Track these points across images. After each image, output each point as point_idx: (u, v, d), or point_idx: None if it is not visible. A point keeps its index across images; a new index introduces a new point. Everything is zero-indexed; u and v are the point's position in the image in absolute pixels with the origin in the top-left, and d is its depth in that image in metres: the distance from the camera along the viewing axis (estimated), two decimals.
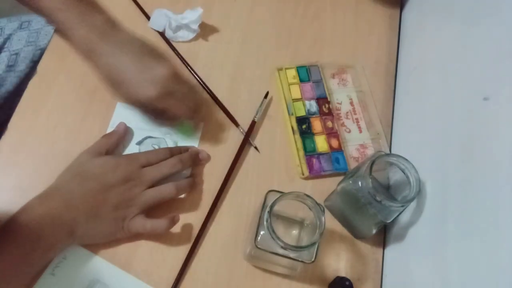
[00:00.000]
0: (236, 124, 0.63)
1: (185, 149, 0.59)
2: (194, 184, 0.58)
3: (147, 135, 0.60)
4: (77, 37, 0.53)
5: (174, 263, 0.54)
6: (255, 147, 0.62)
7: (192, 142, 0.61)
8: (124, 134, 0.59)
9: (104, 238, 0.53)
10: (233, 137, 0.63)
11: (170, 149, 0.58)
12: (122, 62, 0.53)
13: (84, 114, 0.60)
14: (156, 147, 0.60)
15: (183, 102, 0.56)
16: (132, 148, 0.59)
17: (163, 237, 0.55)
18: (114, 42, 0.53)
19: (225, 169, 0.60)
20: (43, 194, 0.51)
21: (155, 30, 0.67)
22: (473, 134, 0.47)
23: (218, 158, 0.61)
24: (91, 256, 0.53)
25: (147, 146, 0.60)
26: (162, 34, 0.67)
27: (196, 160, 0.59)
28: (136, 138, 0.60)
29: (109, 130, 0.60)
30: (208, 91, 0.64)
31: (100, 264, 0.53)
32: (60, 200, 0.50)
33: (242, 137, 0.63)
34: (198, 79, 0.65)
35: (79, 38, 0.52)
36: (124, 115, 0.61)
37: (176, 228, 0.56)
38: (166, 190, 0.54)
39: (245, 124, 0.63)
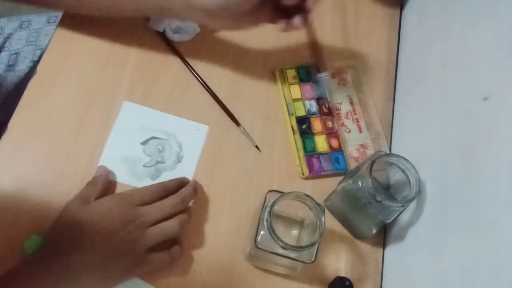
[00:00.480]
0: (237, 123, 0.63)
1: (179, 182, 0.56)
2: (191, 213, 0.55)
3: (152, 136, 0.60)
4: None
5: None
6: (256, 146, 0.62)
7: (197, 146, 0.61)
8: (107, 177, 0.56)
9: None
10: (234, 137, 0.63)
11: (164, 186, 0.55)
12: None
13: (84, 114, 0.60)
14: (160, 148, 0.60)
15: None
16: (136, 148, 0.59)
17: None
18: None
19: (226, 169, 0.60)
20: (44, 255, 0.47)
21: (155, 30, 0.67)
22: (473, 134, 0.47)
23: (219, 158, 0.61)
24: None
25: (151, 147, 0.60)
26: (162, 34, 0.67)
27: (194, 192, 0.56)
28: (141, 137, 0.60)
29: (115, 129, 0.59)
30: (209, 91, 0.64)
31: None
32: (62, 260, 0.47)
33: (243, 137, 0.63)
34: (199, 79, 0.65)
35: None
36: (131, 114, 0.61)
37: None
38: (170, 228, 0.52)
39: (245, 124, 0.63)
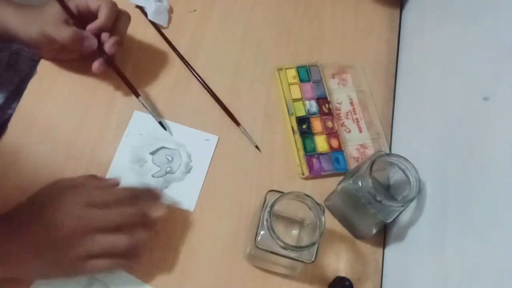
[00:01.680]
0: (237, 123, 0.63)
1: (152, 193, 0.52)
2: (154, 229, 0.52)
3: (162, 146, 0.60)
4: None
5: (174, 263, 0.54)
6: (256, 146, 0.62)
7: (206, 156, 0.60)
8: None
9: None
10: (234, 137, 0.63)
11: (132, 192, 0.52)
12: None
13: (84, 114, 0.60)
14: (170, 158, 0.59)
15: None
16: (145, 158, 0.59)
17: (163, 237, 0.55)
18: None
19: (226, 169, 0.60)
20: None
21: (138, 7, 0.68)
22: (473, 134, 0.47)
23: (219, 158, 0.61)
24: None
25: (160, 157, 0.59)
26: (163, 34, 0.67)
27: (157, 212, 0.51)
28: (150, 148, 0.60)
29: (124, 138, 0.59)
30: (209, 91, 0.64)
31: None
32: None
33: (243, 136, 0.63)
34: (199, 79, 0.65)
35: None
36: (140, 123, 0.60)
37: (176, 228, 0.56)
38: (118, 243, 0.48)
39: (245, 124, 0.63)
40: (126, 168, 0.58)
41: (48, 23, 0.53)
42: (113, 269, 0.50)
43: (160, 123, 0.60)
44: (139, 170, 0.58)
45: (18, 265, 0.47)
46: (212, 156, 0.61)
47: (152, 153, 0.60)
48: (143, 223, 0.50)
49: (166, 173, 0.59)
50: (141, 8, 0.68)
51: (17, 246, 0.46)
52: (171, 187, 0.58)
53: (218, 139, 0.62)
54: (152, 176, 0.58)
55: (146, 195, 0.52)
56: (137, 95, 0.61)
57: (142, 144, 0.60)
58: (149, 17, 0.67)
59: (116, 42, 0.57)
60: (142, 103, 0.60)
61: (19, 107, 0.59)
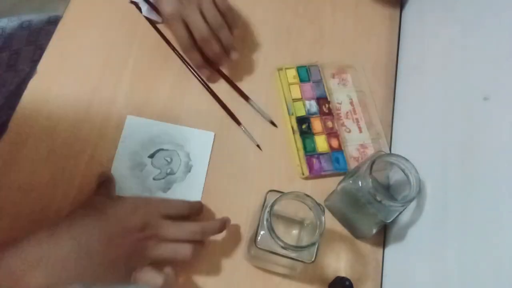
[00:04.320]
0: (238, 123, 0.63)
1: (219, 222, 0.53)
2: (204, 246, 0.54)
3: (159, 148, 0.60)
4: None
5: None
6: (258, 145, 0.62)
7: (205, 154, 0.60)
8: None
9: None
10: (233, 137, 0.63)
11: (190, 205, 0.54)
12: None
13: (85, 114, 0.60)
14: (169, 159, 0.59)
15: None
16: (145, 161, 0.59)
17: None
18: None
19: (226, 169, 0.60)
20: (54, 229, 0.46)
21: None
22: (473, 134, 0.47)
23: (219, 158, 0.61)
24: None
25: (159, 159, 0.59)
26: (163, 36, 0.67)
27: (218, 230, 0.54)
28: (148, 151, 0.59)
29: (120, 144, 0.59)
30: (210, 91, 0.64)
31: None
32: (70, 240, 0.45)
33: (243, 136, 0.63)
34: (199, 78, 0.65)
35: None
36: (134, 127, 0.60)
37: None
38: (183, 250, 0.50)
39: (245, 124, 0.63)
40: (126, 174, 0.58)
41: None
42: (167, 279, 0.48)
43: (272, 122, 0.63)
44: (139, 174, 0.58)
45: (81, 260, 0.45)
46: (211, 152, 0.61)
47: (151, 156, 0.59)
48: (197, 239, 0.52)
49: (167, 174, 0.59)
50: (135, 4, 0.68)
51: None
52: (174, 188, 0.58)
53: (215, 134, 0.62)
54: (153, 179, 0.58)
55: (199, 208, 0.55)
56: (247, 99, 0.64)
57: (139, 149, 0.59)
58: (143, 13, 0.67)
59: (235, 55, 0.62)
60: (252, 105, 0.63)
61: (19, 107, 0.59)
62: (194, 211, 0.55)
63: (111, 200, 0.51)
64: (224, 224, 0.53)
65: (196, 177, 0.59)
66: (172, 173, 0.59)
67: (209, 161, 0.60)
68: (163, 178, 0.58)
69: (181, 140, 0.61)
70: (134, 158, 0.59)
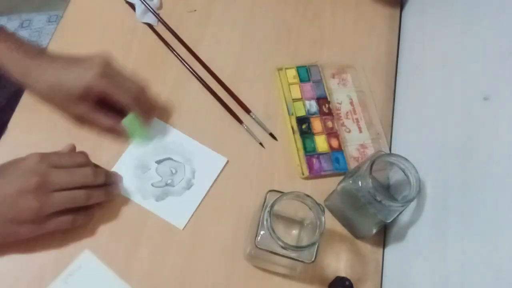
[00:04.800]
0: (240, 121, 0.63)
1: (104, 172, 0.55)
2: (110, 194, 0.55)
3: (168, 157, 0.60)
4: (12, 61, 0.54)
5: (174, 263, 0.54)
6: (260, 143, 0.62)
7: (210, 177, 0.59)
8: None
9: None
10: (233, 137, 0.63)
11: (87, 158, 0.54)
12: (58, 67, 0.54)
13: None
14: (174, 171, 0.59)
15: (126, 89, 0.55)
16: (150, 165, 0.59)
17: (163, 236, 0.55)
18: (47, 58, 0.55)
19: (226, 169, 0.60)
20: None
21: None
22: (473, 134, 0.47)
23: (222, 155, 0.61)
24: (105, 269, 0.52)
25: (165, 167, 0.59)
26: (161, 37, 0.67)
27: (109, 180, 0.54)
28: (158, 156, 0.59)
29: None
30: (211, 90, 0.65)
31: (112, 279, 0.52)
32: None
33: (242, 136, 0.63)
34: (199, 79, 0.65)
35: (14, 61, 0.54)
36: (155, 131, 0.60)
37: (176, 228, 0.56)
38: (76, 196, 0.50)
39: (245, 123, 0.63)
40: (129, 171, 0.58)
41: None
42: (74, 225, 0.52)
43: (271, 134, 0.63)
44: (141, 175, 0.58)
45: None
46: (217, 178, 0.60)
47: (158, 162, 0.59)
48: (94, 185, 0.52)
49: (166, 185, 0.58)
50: (131, 5, 0.68)
51: None
52: (168, 200, 0.57)
53: (227, 161, 0.60)
54: (152, 185, 0.58)
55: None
56: (248, 112, 0.63)
57: (150, 150, 0.59)
58: (137, 17, 0.67)
59: None
60: (253, 118, 0.63)
61: (20, 106, 0.60)
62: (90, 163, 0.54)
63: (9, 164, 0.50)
64: (114, 174, 0.56)
65: (193, 197, 0.58)
66: (171, 185, 0.58)
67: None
68: (162, 187, 0.58)
69: (192, 155, 0.60)
70: (142, 158, 0.59)
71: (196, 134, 0.62)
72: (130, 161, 0.59)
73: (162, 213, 0.56)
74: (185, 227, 0.56)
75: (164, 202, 0.57)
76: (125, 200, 0.57)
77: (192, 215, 0.57)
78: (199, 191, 0.58)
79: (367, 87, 0.69)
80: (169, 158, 0.60)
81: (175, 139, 0.61)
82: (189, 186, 0.58)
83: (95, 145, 0.58)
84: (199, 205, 0.58)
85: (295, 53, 0.70)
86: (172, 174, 0.59)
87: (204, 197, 0.58)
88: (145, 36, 0.67)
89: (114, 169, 0.58)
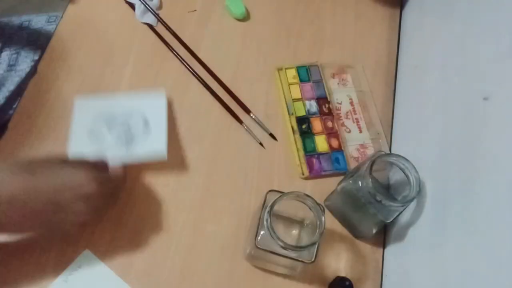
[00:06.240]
0: (239, 121, 0.63)
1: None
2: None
3: (114, 120, 0.58)
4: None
5: (174, 263, 0.54)
6: (260, 143, 0.62)
7: (161, 112, 0.58)
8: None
9: None
10: (233, 137, 0.63)
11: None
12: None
13: None
14: (126, 127, 0.58)
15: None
16: (103, 136, 0.57)
17: (163, 236, 0.55)
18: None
19: (226, 169, 0.60)
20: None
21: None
22: (473, 134, 0.47)
23: (219, 158, 0.61)
24: (105, 269, 0.53)
25: (117, 131, 0.58)
26: (161, 37, 0.67)
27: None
28: (104, 127, 0.58)
29: (73, 129, 0.57)
30: (211, 90, 0.65)
31: (112, 279, 0.52)
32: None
33: (242, 136, 0.63)
34: (199, 79, 0.65)
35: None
36: (84, 110, 0.58)
37: (176, 228, 0.56)
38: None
39: (245, 123, 0.63)
40: (86, 145, 0.56)
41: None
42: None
43: (271, 134, 0.63)
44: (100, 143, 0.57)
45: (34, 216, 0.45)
46: (167, 112, 0.59)
47: (108, 129, 0.58)
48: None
49: (128, 139, 0.57)
50: (131, 5, 0.68)
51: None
52: (136, 146, 0.57)
53: (166, 91, 0.60)
54: (116, 147, 0.57)
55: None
56: (248, 112, 0.63)
57: (95, 127, 0.58)
58: (136, 17, 0.67)
59: None
60: (254, 119, 0.63)
61: (20, 106, 0.60)
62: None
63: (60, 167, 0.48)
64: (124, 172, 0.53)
65: (157, 130, 0.58)
66: (132, 137, 0.58)
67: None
68: (126, 144, 0.57)
69: (133, 106, 0.59)
70: (92, 138, 0.57)
71: (196, 134, 0.62)
72: (82, 142, 0.56)
73: (140, 156, 0.56)
74: (167, 155, 0.55)
75: (135, 148, 0.56)
76: (125, 201, 0.57)
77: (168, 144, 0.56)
78: (159, 129, 0.58)
79: (367, 87, 0.69)
80: (116, 121, 0.58)
81: (108, 104, 0.59)
82: (148, 128, 0.58)
83: None
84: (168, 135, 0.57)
85: (295, 53, 0.70)
86: (127, 130, 0.58)
87: (204, 196, 0.58)
88: (145, 36, 0.67)
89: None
